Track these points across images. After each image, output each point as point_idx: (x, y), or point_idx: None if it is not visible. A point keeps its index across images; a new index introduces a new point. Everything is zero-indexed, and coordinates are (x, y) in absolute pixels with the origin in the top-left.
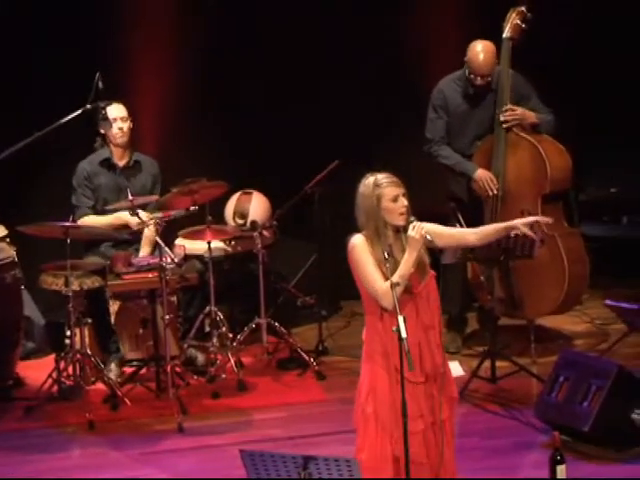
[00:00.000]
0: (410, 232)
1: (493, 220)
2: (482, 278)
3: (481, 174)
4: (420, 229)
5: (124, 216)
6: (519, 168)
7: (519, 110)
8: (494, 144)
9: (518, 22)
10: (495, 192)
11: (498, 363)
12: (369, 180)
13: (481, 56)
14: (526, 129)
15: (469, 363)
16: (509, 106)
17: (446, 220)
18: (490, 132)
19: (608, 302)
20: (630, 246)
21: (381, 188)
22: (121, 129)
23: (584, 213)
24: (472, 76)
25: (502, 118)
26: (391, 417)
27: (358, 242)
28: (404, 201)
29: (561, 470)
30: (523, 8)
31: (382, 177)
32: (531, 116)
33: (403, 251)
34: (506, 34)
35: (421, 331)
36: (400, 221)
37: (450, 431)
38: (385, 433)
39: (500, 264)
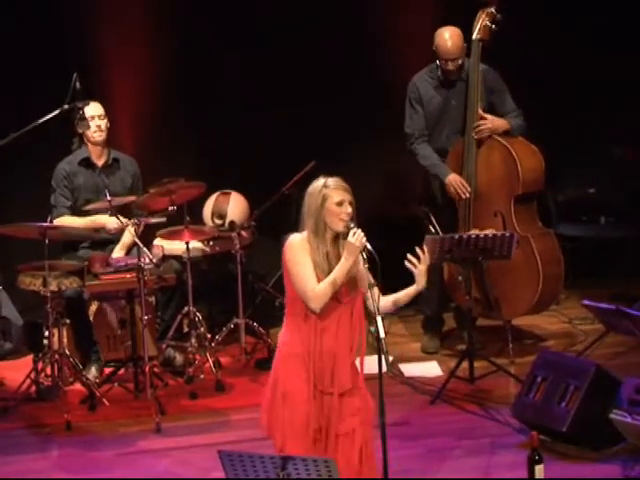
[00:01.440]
0: (350, 238)
1: (466, 222)
2: (460, 278)
3: (452, 179)
4: (360, 237)
5: (101, 219)
6: (491, 170)
7: (489, 122)
8: (465, 146)
9: (487, 23)
10: (467, 196)
11: (476, 363)
12: (319, 181)
13: (448, 38)
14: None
15: (447, 363)
16: (479, 114)
17: (420, 223)
18: (465, 125)
19: (586, 302)
20: (608, 246)
21: (328, 189)
22: (99, 127)
23: (562, 213)
24: (443, 62)
25: (473, 134)
26: (303, 425)
27: (296, 241)
28: (348, 208)
29: (539, 470)
30: (492, 9)
31: (332, 180)
32: (503, 125)
33: (339, 258)
34: (476, 35)
35: (339, 343)
36: (339, 227)
37: (358, 442)
38: (297, 441)
39: (477, 265)
